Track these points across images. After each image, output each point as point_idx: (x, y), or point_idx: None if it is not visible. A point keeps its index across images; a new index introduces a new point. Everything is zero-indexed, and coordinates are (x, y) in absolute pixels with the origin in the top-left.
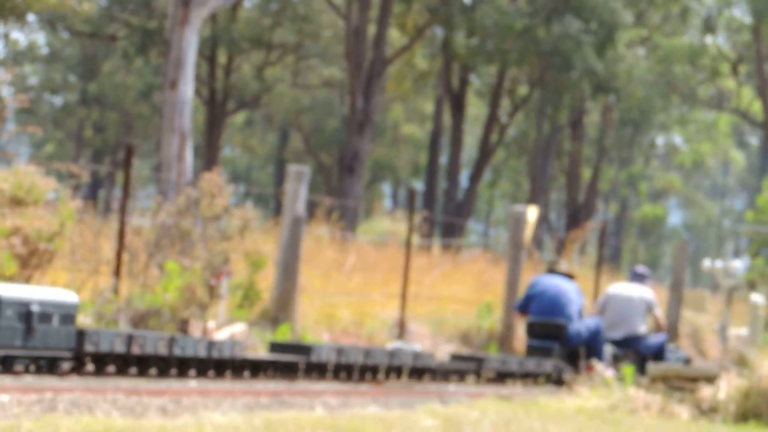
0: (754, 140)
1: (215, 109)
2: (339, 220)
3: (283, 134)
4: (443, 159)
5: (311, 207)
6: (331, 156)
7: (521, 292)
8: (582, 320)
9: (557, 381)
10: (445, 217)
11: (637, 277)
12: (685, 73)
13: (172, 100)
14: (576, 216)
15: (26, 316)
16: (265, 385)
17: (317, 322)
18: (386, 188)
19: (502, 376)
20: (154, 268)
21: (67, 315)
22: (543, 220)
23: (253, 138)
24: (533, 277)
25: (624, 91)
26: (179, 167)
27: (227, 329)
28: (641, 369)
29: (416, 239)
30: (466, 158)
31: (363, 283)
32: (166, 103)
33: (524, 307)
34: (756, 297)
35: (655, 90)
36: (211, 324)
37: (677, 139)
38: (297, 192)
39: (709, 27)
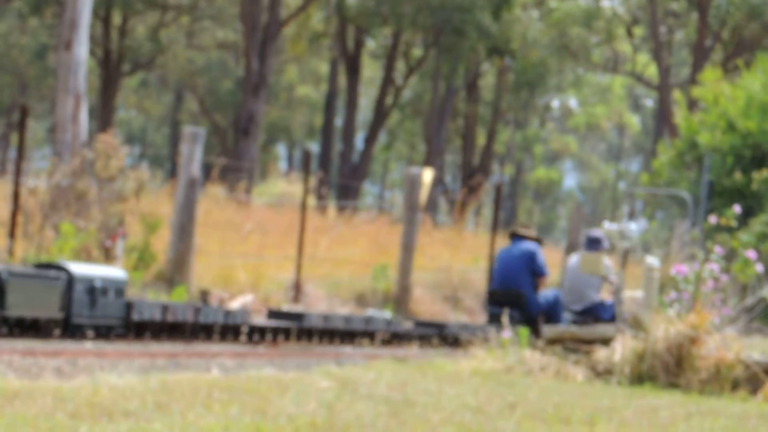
0: (648, 103)
1: (110, 70)
2: (235, 182)
3: (178, 96)
4: (338, 121)
5: (208, 169)
6: (226, 117)
7: (417, 253)
8: (540, 291)
9: (453, 343)
10: (341, 179)
11: (593, 244)
12: (580, 35)
13: (66, 61)
14: (471, 178)
15: (91, 290)
16: (161, 346)
17: (213, 283)
18: (281, 150)
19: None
20: (50, 229)
21: (119, 289)
22: (438, 182)
23: (147, 99)
24: (500, 249)
25: (519, 53)
26: (74, 129)
27: (240, 299)
28: None
29: (312, 201)
30: (362, 120)
31: (259, 244)
32: (60, 64)
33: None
34: (651, 259)
35: (550, 52)
36: (224, 294)
37: (572, 101)
38: (192, 153)
39: None
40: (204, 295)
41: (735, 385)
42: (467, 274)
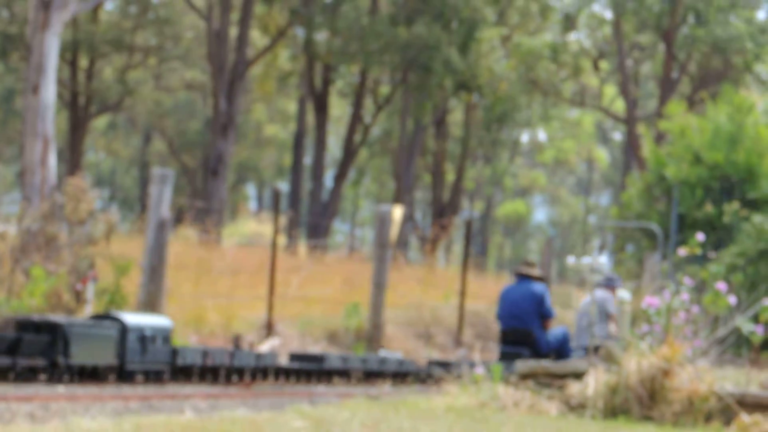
0: (617, 136)
1: (78, 112)
2: (204, 223)
3: (147, 137)
4: (307, 159)
5: (179, 211)
6: (195, 158)
7: (388, 290)
8: (549, 330)
9: (425, 380)
10: (311, 217)
11: (605, 282)
12: (547, 70)
13: (34, 105)
14: (441, 214)
15: (142, 339)
16: (133, 389)
17: (185, 324)
18: (251, 190)
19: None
20: (20, 273)
21: (166, 336)
22: (408, 219)
23: (116, 141)
24: (504, 287)
25: (487, 88)
26: (43, 172)
27: (268, 342)
28: None
29: (282, 240)
30: (331, 158)
31: (230, 285)
32: (28, 108)
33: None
34: (622, 293)
35: (518, 87)
36: (251, 338)
37: (542, 135)
38: (161, 195)
39: (568, 25)
40: (237, 340)
41: (708, 417)
42: (439, 310)
